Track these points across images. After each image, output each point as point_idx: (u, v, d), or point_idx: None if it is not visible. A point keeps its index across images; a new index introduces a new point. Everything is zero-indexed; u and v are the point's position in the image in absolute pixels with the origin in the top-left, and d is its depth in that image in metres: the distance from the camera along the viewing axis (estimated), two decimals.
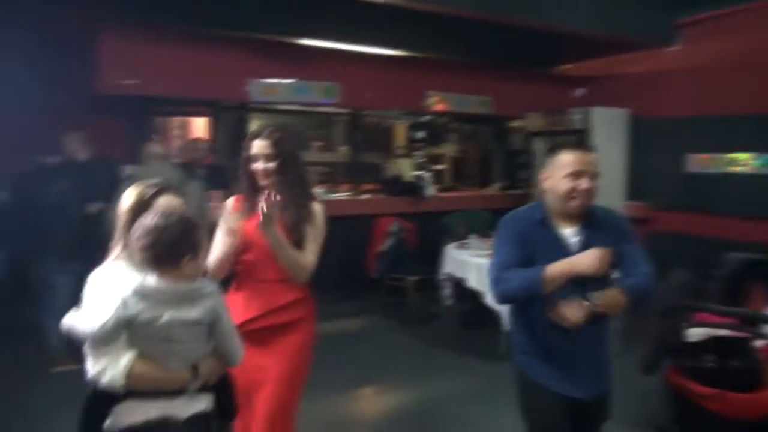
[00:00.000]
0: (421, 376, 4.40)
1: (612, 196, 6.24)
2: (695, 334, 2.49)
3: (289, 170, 2.21)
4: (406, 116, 7.40)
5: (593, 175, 1.96)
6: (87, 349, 1.52)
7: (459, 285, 5.15)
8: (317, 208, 2.27)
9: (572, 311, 1.91)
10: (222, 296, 1.64)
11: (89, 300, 1.57)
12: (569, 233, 2.00)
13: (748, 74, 5.51)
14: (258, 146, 2.20)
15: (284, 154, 2.21)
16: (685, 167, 6.11)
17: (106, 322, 1.45)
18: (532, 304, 2.00)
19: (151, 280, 1.52)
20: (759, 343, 2.51)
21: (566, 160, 1.96)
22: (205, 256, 1.68)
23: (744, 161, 5.65)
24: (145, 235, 1.51)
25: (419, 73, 6.38)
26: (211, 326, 1.59)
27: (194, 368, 1.57)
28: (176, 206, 1.67)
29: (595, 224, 2.02)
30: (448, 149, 8.39)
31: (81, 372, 1.56)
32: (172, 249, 1.52)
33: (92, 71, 4.90)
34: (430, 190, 6.71)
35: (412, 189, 6.57)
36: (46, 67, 4.84)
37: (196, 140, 5.43)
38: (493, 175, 8.05)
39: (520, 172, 7.61)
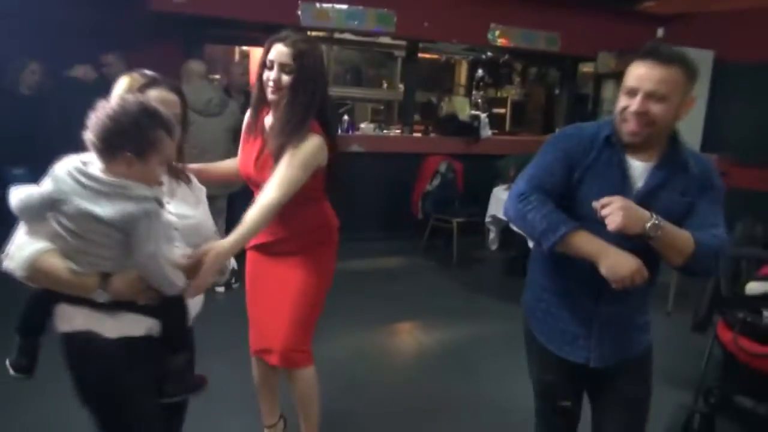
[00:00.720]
0: (458, 317, 4.29)
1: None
2: (756, 287, 2.20)
3: (302, 90, 1.89)
4: (466, 52, 7.01)
5: (662, 98, 1.49)
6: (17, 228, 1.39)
7: (505, 230, 4.95)
8: (311, 140, 1.92)
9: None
10: (157, 212, 1.37)
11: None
12: (639, 167, 1.60)
13: None
14: (277, 52, 1.89)
15: (304, 70, 1.89)
16: None
17: (31, 194, 1.32)
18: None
19: (89, 165, 1.35)
20: None
21: (632, 71, 1.53)
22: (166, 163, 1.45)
23: None
24: (95, 117, 1.34)
25: (482, 4, 5.94)
26: (127, 235, 1.34)
27: (104, 277, 1.37)
28: (166, 100, 1.50)
29: (676, 164, 1.59)
30: (510, 92, 7.97)
31: None
32: (114, 138, 1.32)
33: None
34: (486, 132, 6.39)
35: (467, 129, 6.28)
36: None
37: (241, 65, 5.34)
38: (557, 121, 7.60)
39: (585, 118, 7.16)
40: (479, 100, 6.74)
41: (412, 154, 5.95)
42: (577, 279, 1.65)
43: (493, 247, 5.08)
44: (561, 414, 1.79)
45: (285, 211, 1.88)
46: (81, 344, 1.41)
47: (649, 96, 1.49)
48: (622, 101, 1.55)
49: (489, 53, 6.95)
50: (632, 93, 1.52)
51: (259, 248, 2.14)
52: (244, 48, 7.99)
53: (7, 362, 1.46)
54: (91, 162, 1.36)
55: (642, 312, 1.75)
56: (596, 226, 1.50)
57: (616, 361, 1.70)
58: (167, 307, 1.46)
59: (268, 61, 1.91)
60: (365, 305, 4.07)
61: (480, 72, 6.92)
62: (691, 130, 5.84)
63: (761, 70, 5.54)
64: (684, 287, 4.25)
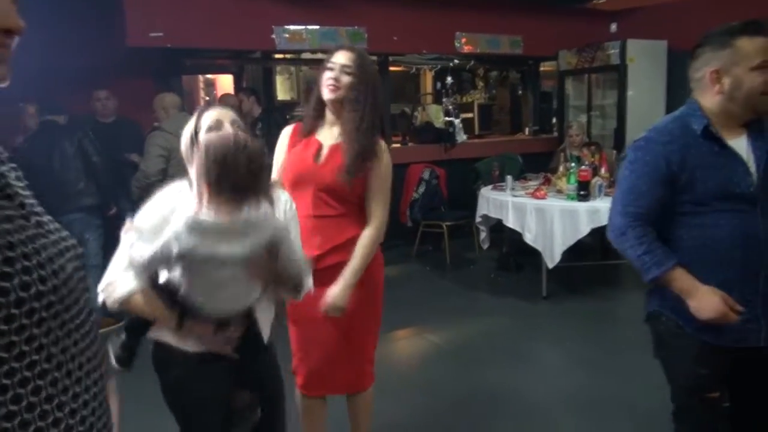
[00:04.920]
0: (459, 317, 4.42)
1: None
2: None
3: (363, 94, 1.95)
4: (434, 61, 7.22)
5: None
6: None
7: (495, 229, 5.12)
8: (383, 148, 2.05)
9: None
10: (284, 217, 1.55)
11: (143, 219, 1.45)
12: (738, 145, 1.62)
13: None
14: (340, 55, 1.97)
15: (364, 77, 1.95)
16: None
17: (151, 257, 1.34)
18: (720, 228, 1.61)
19: (206, 213, 1.34)
20: None
21: (752, 47, 1.56)
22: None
23: None
24: (219, 165, 1.31)
25: (447, 14, 6.17)
26: (272, 250, 1.41)
27: (180, 319, 1.45)
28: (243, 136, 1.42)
29: (759, 130, 1.64)
30: (476, 97, 8.22)
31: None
32: (245, 184, 1.33)
33: (120, 24, 4.85)
34: (461, 136, 6.60)
35: (444, 135, 6.47)
36: (75, 21, 4.82)
37: (226, 96, 5.39)
38: (524, 120, 7.88)
39: (551, 115, 7.46)
40: (450, 107, 6.95)
41: (394, 164, 6.05)
42: (734, 268, 1.62)
43: (485, 245, 5.23)
44: (709, 406, 1.74)
45: (342, 219, 2.00)
46: (163, 352, 1.54)
47: None
48: (760, 77, 1.56)
49: (455, 60, 7.17)
50: (766, 65, 1.56)
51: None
52: (209, 76, 8.05)
53: (110, 350, 1.54)
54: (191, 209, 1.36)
55: None
56: (728, 205, 1.58)
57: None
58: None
59: (331, 63, 1.97)
60: None
61: (450, 79, 7.12)
62: (654, 117, 6.17)
63: None
64: None
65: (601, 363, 3.49)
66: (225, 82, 7.60)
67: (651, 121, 1.78)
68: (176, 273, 1.39)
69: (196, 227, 1.31)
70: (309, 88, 2.16)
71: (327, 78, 1.96)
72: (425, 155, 6.26)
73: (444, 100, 7.17)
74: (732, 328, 1.62)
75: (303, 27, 5.49)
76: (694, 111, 1.67)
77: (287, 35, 5.40)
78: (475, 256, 5.81)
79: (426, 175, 5.95)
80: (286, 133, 2.11)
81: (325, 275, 2.01)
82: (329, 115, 2.04)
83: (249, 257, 1.35)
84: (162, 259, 1.34)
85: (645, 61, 6.13)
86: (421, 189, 5.88)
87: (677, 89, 6.25)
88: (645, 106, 6.11)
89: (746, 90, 1.58)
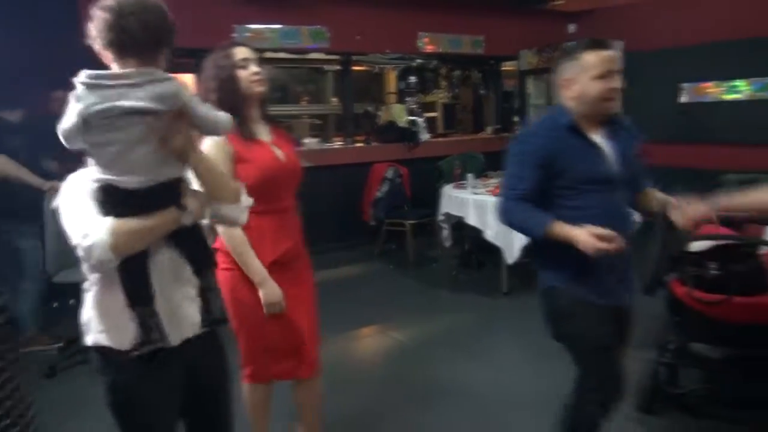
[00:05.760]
0: (422, 314, 4.47)
1: None
2: (699, 245, 2.49)
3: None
4: (397, 61, 7.26)
5: (619, 74, 1.86)
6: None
7: (457, 227, 5.18)
8: None
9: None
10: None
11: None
12: (599, 140, 1.92)
13: None
14: (247, 51, 1.96)
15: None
16: (679, 98, 6.07)
17: (67, 127, 1.28)
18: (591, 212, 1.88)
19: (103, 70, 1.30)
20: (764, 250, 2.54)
21: (594, 60, 1.83)
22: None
23: (740, 88, 5.61)
24: (117, 14, 1.28)
25: (410, 14, 6.23)
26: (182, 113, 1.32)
27: (181, 205, 1.37)
28: None
29: (618, 127, 1.97)
30: (439, 96, 8.29)
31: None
32: (151, 32, 1.30)
33: (79, 24, 4.75)
34: (424, 135, 6.66)
35: (407, 134, 6.52)
36: (31, 21, 4.70)
37: None
38: (486, 119, 7.98)
39: (513, 114, 7.57)
40: (413, 106, 6.99)
41: (357, 163, 6.11)
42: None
43: (447, 243, 5.29)
44: (616, 365, 2.00)
45: (294, 210, 2.12)
46: (104, 358, 1.43)
47: (619, 74, 1.86)
48: (600, 85, 1.83)
49: (418, 60, 7.22)
50: (608, 75, 1.83)
51: (276, 267, 2.04)
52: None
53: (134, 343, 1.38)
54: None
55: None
56: (594, 187, 1.90)
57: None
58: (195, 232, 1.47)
59: (242, 61, 1.94)
60: (335, 313, 4.13)
61: (413, 79, 7.17)
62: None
63: (666, 54, 6.11)
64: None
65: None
66: (185, 82, 7.51)
67: None
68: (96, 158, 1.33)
69: (92, 83, 1.27)
70: (220, 88, 1.93)
71: (253, 73, 1.94)
72: (389, 154, 6.30)
73: (407, 99, 7.22)
74: (609, 290, 1.95)
75: (265, 26, 5.47)
76: (561, 110, 1.95)
77: (249, 34, 5.37)
78: (437, 254, 5.87)
79: (390, 173, 5.98)
80: (223, 144, 1.90)
81: (292, 267, 2.10)
82: (251, 111, 2.00)
83: (155, 110, 1.28)
84: (74, 127, 1.28)
85: None
86: (385, 188, 5.91)
87: (633, 88, 6.43)
88: None
89: (591, 95, 1.85)
